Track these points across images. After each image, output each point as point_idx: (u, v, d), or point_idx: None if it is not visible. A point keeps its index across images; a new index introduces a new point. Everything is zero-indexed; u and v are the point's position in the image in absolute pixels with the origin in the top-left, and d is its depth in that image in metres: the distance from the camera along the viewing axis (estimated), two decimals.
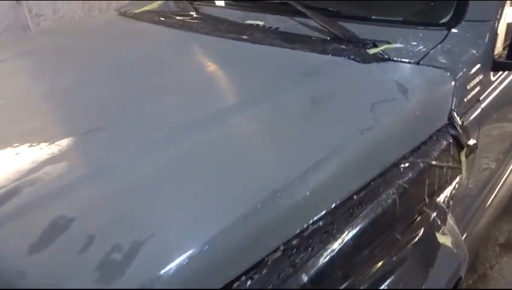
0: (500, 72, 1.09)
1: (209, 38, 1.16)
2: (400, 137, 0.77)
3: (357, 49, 0.98)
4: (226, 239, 0.53)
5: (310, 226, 0.62)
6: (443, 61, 0.92)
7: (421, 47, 0.95)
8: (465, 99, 0.93)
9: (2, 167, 0.70)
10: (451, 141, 0.87)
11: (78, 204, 0.60)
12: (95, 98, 0.90)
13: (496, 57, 1.01)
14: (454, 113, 0.89)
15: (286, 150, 0.67)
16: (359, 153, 0.70)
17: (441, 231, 0.81)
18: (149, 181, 0.63)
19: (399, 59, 0.94)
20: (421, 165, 0.79)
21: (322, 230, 0.62)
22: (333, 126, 0.72)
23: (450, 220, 0.88)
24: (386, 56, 0.95)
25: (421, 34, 0.99)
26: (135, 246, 0.51)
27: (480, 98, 1.00)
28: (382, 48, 0.97)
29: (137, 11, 1.52)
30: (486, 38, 0.97)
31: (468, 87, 0.94)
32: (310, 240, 0.61)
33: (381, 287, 0.68)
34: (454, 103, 0.89)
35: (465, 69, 0.93)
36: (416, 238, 0.77)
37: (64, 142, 0.74)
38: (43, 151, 0.72)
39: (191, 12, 1.37)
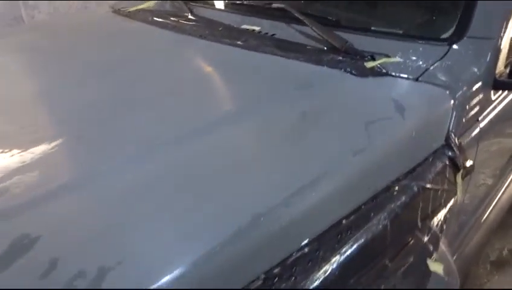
0: (500, 91, 1.05)
1: (202, 42, 1.12)
2: (394, 159, 0.73)
3: (354, 62, 0.94)
4: (201, 267, 0.49)
5: (294, 254, 0.58)
6: (443, 78, 0.88)
7: (420, 62, 0.92)
8: (464, 119, 0.89)
9: None
10: (447, 162, 0.84)
11: (45, 221, 0.56)
12: (71, 102, 0.86)
13: (498, 75, 0.97)
14: (452, 134, 0.85)
15: (271, 170, 0.63)
16: (350, 176, 0.66)
17: (432, 258, 0.78)
18: (123, 200, 0.59)
19: (397, 74, 0.90)
20: (415, 188, 0.75)
21: (306, 258, 0.59)
22: (324, 146, 0.68)
23: (443, 245, 0.84)
24: (383, 70, 0.91)
25: (421, 49, 0.95)
26: (101, 273, 0.47)
27: (480, 118, 0.97)
28: (380, 61, 0.93)
29: (131, 9, 1.48)
30: (489, 56, 0.94)
31: (467, 107, 0.90)
32: (293, 269, 0.57)
33: None
34: (452, 123, 0.86)
35: (465, 88, 0.89)
36: (406, 265, 0.73)
37: (36, 151, 0.70)
38: (14, 159, 0.68)
39: (186, 14, 1.32)
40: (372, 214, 0.68)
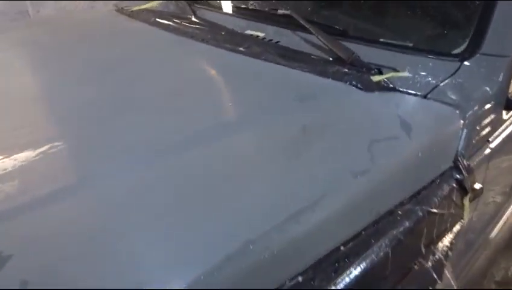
0: None
1: (203, 46, 1.08)
2: (398, 182, 0.69)
3: (359, 75, 0.89)
4: None
5: (287, 283, 0.54)
6: (453, 96, 0.84)
7: (429, 78, 0.87)
8: (474, 140, 0.85)
9: None
10: (455, 185, 0.79)
11: (20, 236, 0.52)
12: (65, 102, 0.82)
13: (510, 95, 0.92)
14: (461, 155, 0.81)
15: (264, 192, 0.58)
16: (350, 199, 0.61)
17: (436, 287, 0.73)
18: (106, 217, 0.55)
19: (405, 90, 0.86)
20: (420, 213, 0.71)
21: (300, 288, 0.54)
22: (323, 165, 0.64)
23: (447, 272, 0.80)
24: (390, 85, 0.87)
25: (431, 64, 0.90)
26: None
27: (490, 139, 0.92)
28: (388, 75, 0.89)
29: (134, 8, 1.45)
30: (502, 75, 0.89)
31: (477, 127, 0.86)
32: None
33: None
34: (461, 143, 0.81)
35: (476, 107, 0.85)
36: None
37: (22, 157, 0.66)
38: None
39: (189, 16, 1.29)
40: (372, 241, 0.63)
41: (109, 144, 0.71)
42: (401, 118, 0.76)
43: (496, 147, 0.94)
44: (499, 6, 0.91)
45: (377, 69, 0.91)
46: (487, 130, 0.89)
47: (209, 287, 0.47)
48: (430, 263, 0.74)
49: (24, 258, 0.49)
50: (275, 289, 0.53)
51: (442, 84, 0.86)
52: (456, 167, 0.80)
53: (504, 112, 0.95)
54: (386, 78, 0.88)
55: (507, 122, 0.99)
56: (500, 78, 0.89)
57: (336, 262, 0.59)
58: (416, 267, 0.71)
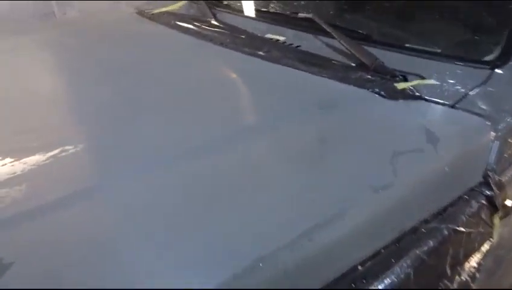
0: None
1: (222, 49, 1.06)
2: (422, 198, 0.64)
3: (383, 82, 0.85)
4: None
5: None
6: (483, 106, 0.78)
7: (458, 87, 0.82)
8: (505, 154, 0.79)
9: None
10: (484, 202, 0.74)
11: (24, 242, 0.51)
12: (77, 106, 0.81)
13: None
14: (491, 170, 0.75)
15: (277, 205, 0.55)
16: (369, 215, 0.57)
17: None
18: (112, 222, 0.53)
19: (431, 99, 0.81)
20: (445, 231, 0.66)
21: None
22: (341, 178, 0.60)
23: None
24: (416, 93, 0.82)
25: (460, 71, 0.85)
26: None
27: None
28: (413, 83, 0.84)
29: (155, 11, 1.44)
30: None
31: (510, 140, 0.80)
32: None
33: None
34: (491, 157, 0.76)
35: (508, 118, 0.79)
36: None
37: (32, 161, 0.65)
38: (7, 168, 0.63)
39: (209, 19, 1.27)
40: (393, 260, 0.59)
41: (121, 149, 0.69)
42: (427, 129, 0.72)
43: None
44: None
45: (402, 76, 0.87)
46: None
47: None
48: (455, 286, 0.69)
49: (27, 264, 0.47)
50: None
51: (471, 93, 0.81)
52: (485, 182, 0.74)
53: None
54: (411, 86, 0.84)
55: None
56: None
57: (353, 283, 0.55)
58: None
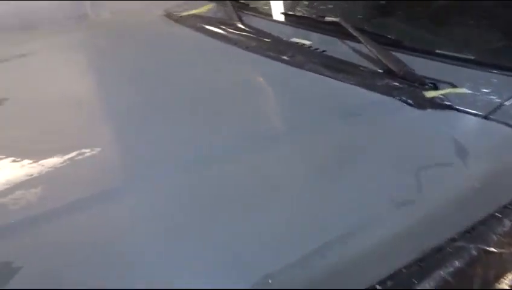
0: None
1: (246, 54, 1.04)
2: (449, 215, 0.60)
3: (411, 90, 0.81)
4: None
5: None
6: None
7: (492, 96, 0.77)
8: None
9: None
10: None
11: (27, 246, 0.50)
12: (98, 109, 0.81)
13: None
14: None
15: (290, 218, 0.52)
16: (389, 232, 0.54)
17: None
18: (126, 226, 0.52)
19: (463, 108, 0.76)
20: (474, 251, 0.61)
21: None
22: (360, 192, 0.57)
23: None
24: (446, 103, 0.78)
25: (494, 80, 0.80)
26: None
27: None
28: (443, 91, 0.80)
29: (183, 14, 1.44)
30: None
31: None
32: None
33: None
34: None
35: None
36: None
37: (49, 163, 0.65)
38: (25, 170, 0.64)
39: (235, 22, 1.26)
40: (415, 281, 0.55)
41: (138, 153, 0.69)
42: (457, 141, 0.67)
43: None
44: None
45: (431, 83, 0.83)
46: None
47: None
48: None
49: (36, 268, 0.47)
50: None
51: (507, 103, 0.76)
52: None
53: None
54: (441, 94, 0.80)
55: None
56: None
57: None
58: None
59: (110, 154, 0.70)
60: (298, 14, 1.21)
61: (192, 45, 1.16)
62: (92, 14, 2.69)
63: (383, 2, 1.09)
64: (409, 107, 0.77)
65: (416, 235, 0.57)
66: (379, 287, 0.53)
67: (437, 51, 0.91)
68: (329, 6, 1.19)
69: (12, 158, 0.66)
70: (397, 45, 0.94)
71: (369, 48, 0.92)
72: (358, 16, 1.13)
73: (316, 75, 0.90)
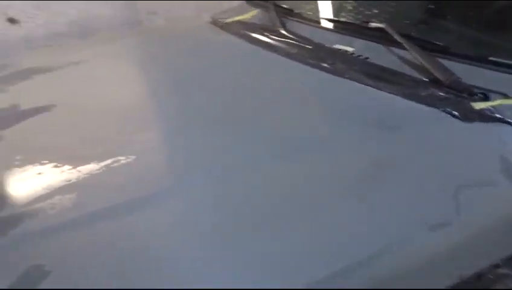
0: None
1: (285, 61, 1.03)
2: (490, 239, 0.56)
3: (458, 100, 0.76)
4: None
5: None
6: None
7: None
8: None
9: (15, 186, 0.65)
10: None
11: (60, 250, 0.53)
12: (139, 116, 0.84)
13: None
14: None
15: (313, 237, 0.50)
16: (421, 257, 0.50)
17: None
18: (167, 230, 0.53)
19: None
20: None
21: None
22: (391, 212, 0.54)
23: None
24: (497, 115, 0.72)
25: None
26: None
27: None
28: (494, 103, 0.74)
29: (228, 20, 1.45)
30: None
31: None
32: None
33: None
34: None
35: None
36: None
37: (86, 169, 0.68)
38: (64, 175, 0.67)
39: (278, 28, 1.25)
40: None
41: (175, 161, 0.70)
42: (505, 159, 0.62)
43: None
44: None
45: (481, 94, 0.77)
46: None
47: None
48: None
49: (66, 272, 0.49)
50: None
51: None
52: None
53: None
54: (491, 106, 0.74)
55: None
56: None
57: None
58: None
59: (146, 162, 0.71)
60: (342, 19, 1.18)
61: (234, 52, 1.16)
62: (146, 21, 2.80)
63: (432, 6, 1.03)
64: (454, 120, 0.72)
65: (452, 261, 0.53)
66: None
67: (490, 58, 0.85)
68: (375, 11, 1.14)
69: (54, 163, 0.70)
70: (445, 52, 0.88)
71: (414, 54, 0.87)
72: (405, 21, 1.07)
73: (356, 83, 0.87)
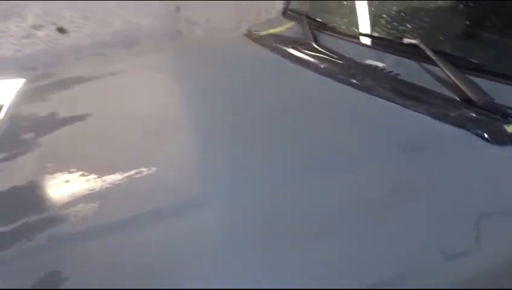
0: None
1: (314, 76, 1.02)
2: (510, 272, 0.52)
3: (490, 122, 0.73)
4: None
5: None
6: None
7: None
8: None
9: (43, 193, 0.69)
10: None
11: (79, 258, 0.55)
12: (166, 127, 0.86)
13: None
14: None
15: (323, 261, 0.50)
16: (433, 286, 0.48)
17: None
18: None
19: None
20: None
21: None
22: (407, 238, 0.52)
23: None
24: None
25: None
26: None
27: None
28: None
29: (262, 33, 1.47)
30: None
31: None
32: None
33: None
34: None
35: None
36: None
37: (116, 178, 0.70)
38: (89, 184, 0.69)
39: (310, 42, 1.24)
40: None
41: (197, 173, 0.71)
42: None
43: None
44: None
45: None
46: None
47: None
48: None
49: (83, 280, 0.51)
50: None
51: None
52: None
53: None
54: None
55: None
56: None
57: None
58: None
59: (168, 174, 0.73)
60: (375, 34, 1.16)
61: (263, 66, 1.17)
62: (186, 31, 2.87)
63: (467, 22, 0.99)
64: (484, 143, 0.69)
65: None
66: None
67: None
68: (409, 26, 1.12)
69: (81, 172, 0.73)
70: (480, 70, 0.85)
71: (446, 72, 0.84)
72: (440, 38, 1.04)
73: (384, 101, 0.85)
